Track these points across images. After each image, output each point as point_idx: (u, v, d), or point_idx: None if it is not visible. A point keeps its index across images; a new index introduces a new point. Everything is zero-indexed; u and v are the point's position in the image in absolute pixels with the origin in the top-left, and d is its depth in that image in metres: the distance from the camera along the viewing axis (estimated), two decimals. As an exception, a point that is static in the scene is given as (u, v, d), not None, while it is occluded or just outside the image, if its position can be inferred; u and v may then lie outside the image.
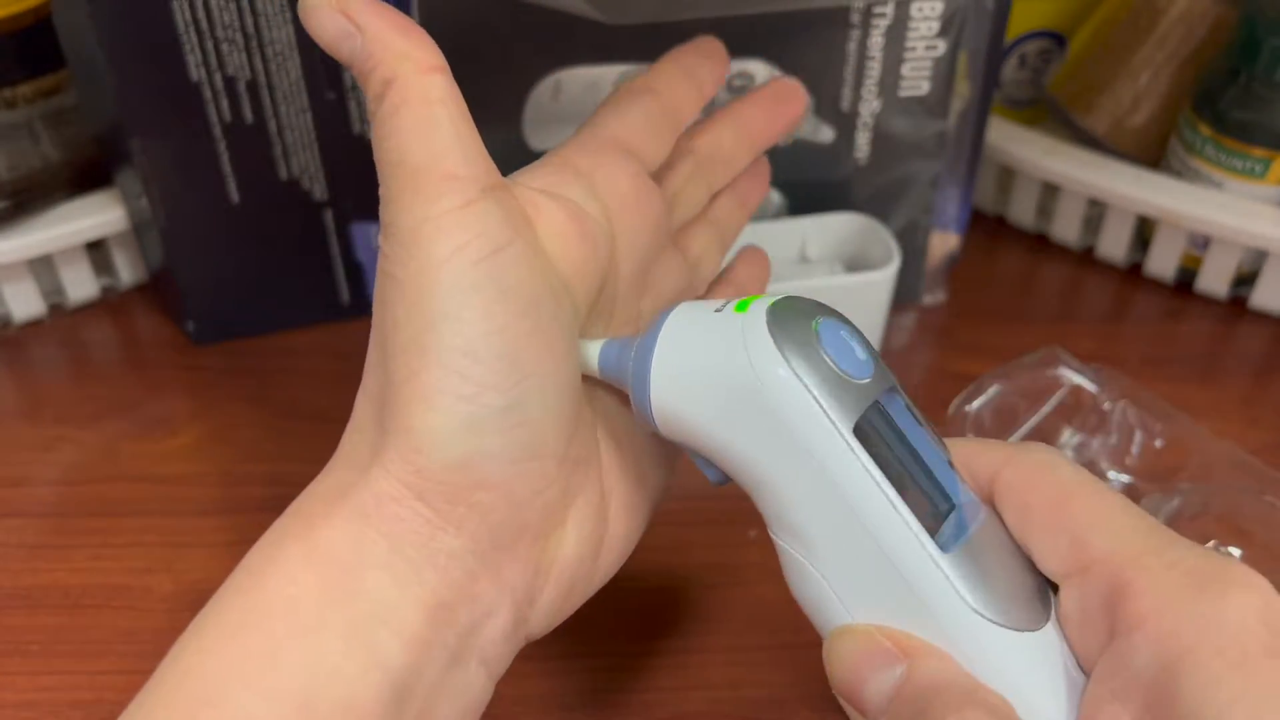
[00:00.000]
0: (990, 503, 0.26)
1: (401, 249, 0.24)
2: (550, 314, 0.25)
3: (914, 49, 0.43)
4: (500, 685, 0.35)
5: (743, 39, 0.42)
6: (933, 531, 0.23)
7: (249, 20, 0.41)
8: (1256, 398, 0.46)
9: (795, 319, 0.25)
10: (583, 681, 0.35)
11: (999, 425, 0.40)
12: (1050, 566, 0.24)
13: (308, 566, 0.24)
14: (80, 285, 0.49)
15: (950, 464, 0.25)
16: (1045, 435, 0.41)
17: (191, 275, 0.46)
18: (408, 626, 0.24)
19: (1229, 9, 0.49)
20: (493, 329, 0.24)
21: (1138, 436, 0.41)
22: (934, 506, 0.24)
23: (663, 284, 0.31)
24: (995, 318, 0.50)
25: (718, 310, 0.26)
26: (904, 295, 0.49)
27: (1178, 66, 0.50)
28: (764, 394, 0.24)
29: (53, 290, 0.49)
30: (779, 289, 0.42)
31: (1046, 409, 0.40)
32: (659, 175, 0.32)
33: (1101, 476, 0.41)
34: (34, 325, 0.49)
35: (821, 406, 0.24)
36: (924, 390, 0.46)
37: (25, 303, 0.49)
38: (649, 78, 0.32)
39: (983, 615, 0.23)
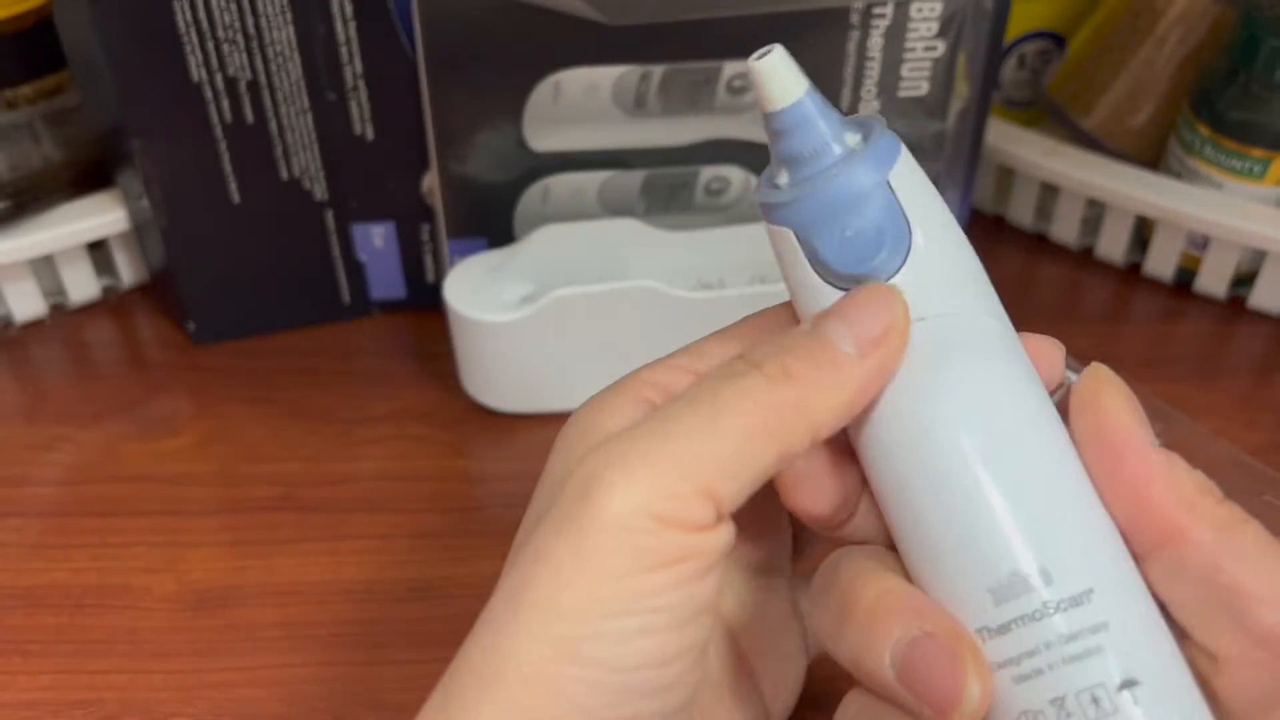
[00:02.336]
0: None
1: None
2: None
3: (913, 50, 0.43)
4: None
5: (742, 39, 0.42)
6: None
7: (250, 21, 0.41)
8: (1255, 398, 0.46)
9: None
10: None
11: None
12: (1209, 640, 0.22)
13: None
14: (81, 285, 0.49)
15: None
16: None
17: (192, 275, 0.47)
18: None
19: (1228, 9, 0.49)
20: None
21: (1137, 436, 0.41)
22: None
23: None
24: (994, 318, 0.50)
25: None
26: (903, 295, 0.49)
27: (1176, 67, 0.50)
28: None
29: (54, 290, 0.49)
30: (776, 292, 0.43)
31: (1046, 409, 0.40)
32: None
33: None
34: (35, 325, 0.50)
35: None
36: (923, 390, 0.46)
37: (26, 303, 0.49)
38: None
39: None
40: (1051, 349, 0.26)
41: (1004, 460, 0.22)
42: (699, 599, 0.21)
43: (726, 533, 0.22)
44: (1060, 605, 0.21)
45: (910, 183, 0.23)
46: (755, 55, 0.23)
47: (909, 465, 0.22)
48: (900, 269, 0.23)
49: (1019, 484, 0.22)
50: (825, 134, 0.23)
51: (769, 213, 0.23)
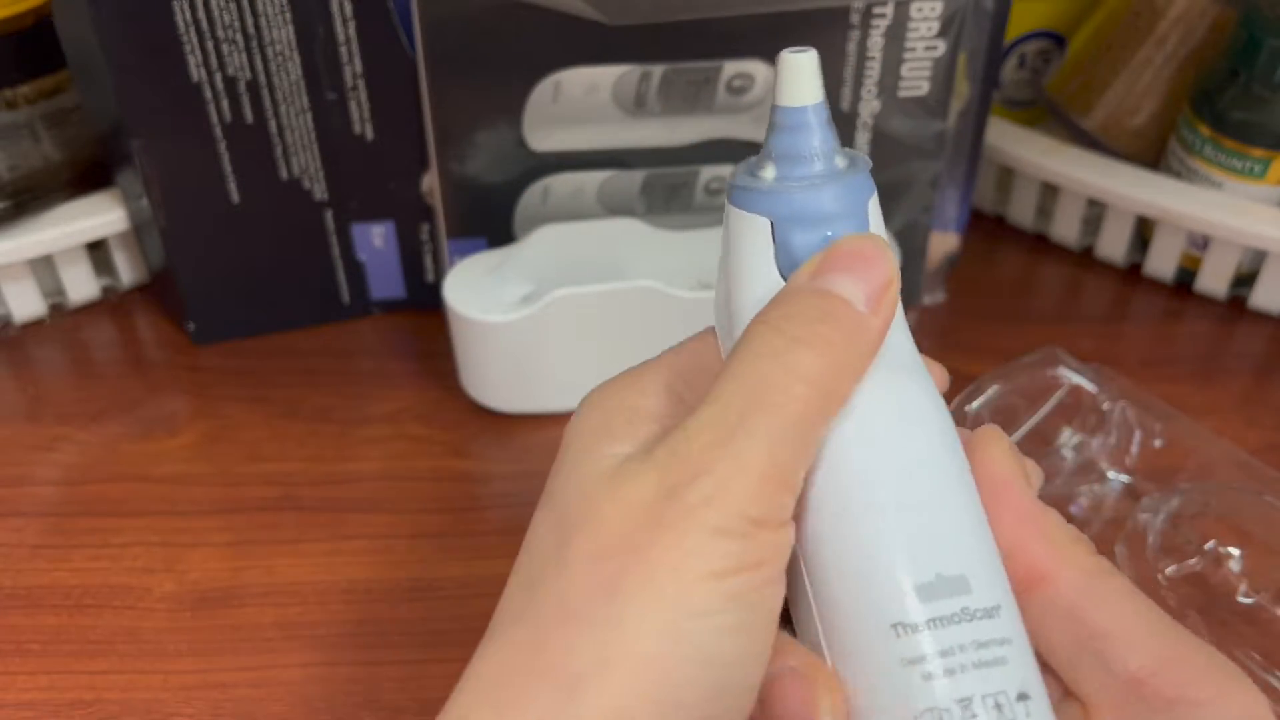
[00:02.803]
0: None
1: None
2: None
3: (914, 49, 0.43)
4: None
5: (742, 39, 0.42)
6: None
7: (249, 21, 0.41)
8: (1256, 397, 0.46)
9: None
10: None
11: (999, 425, 0.40)
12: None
13: None
14: (81, 285, 0.49)
15: None
16: (1045, 435, 0.41)
17: (192, 275, 0.47)
18: None
19: (1228, 9, 0.49)
20: None
21: (1137, 436, 0.41)
22: None
23: None
24: (995, 318, 0.50)
25: None
26: (903, 295, 0.49)
27: (1177, 67, 0.50)
28: None
29: (53, 290, 0.49)
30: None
31: (1046, 409, 0.41)
32: None
33: (1101, 476, 0.41)
34: (35, 325, 0.50)
35: None
36: (923, 390, 0.46)
37: (26, 303, 0.49)
38: None
39: None
40: (940, 373, 0.26)
41: (934, 471, 0.23)
42: (778, 596, 0.21)
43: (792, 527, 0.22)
44: (978, 613, 0.22)
45: (876, 216, 0.24)
46: (791, 49, 0.23)
47: (851, 462, 0.22)
48: None
49: (946, 495, 0.23)
50: (828, 143, 0.23)
51: (749, 200, 0.23)
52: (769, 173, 0.24)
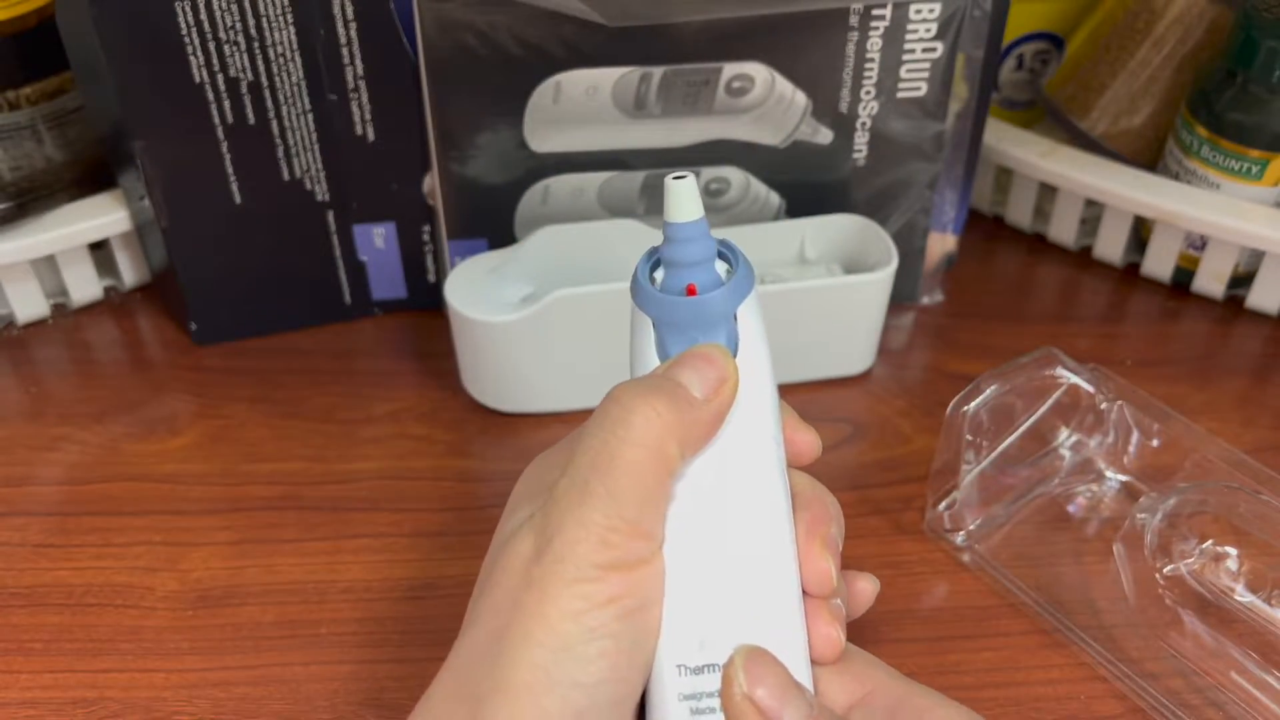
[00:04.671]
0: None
1: None
2: None
3: (912, 51, 0.43)
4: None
5: (742, 41, 0.42)
6: None
7: (251, 22, 0.41)
8: (1253, 397, 0.46)
9: None
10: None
11: (997, 425, 0.40)
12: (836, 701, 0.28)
13: None
14: (83, 286, 0.50)
15: None
16: (1042, 435, 0.41)
17: (194, 276, 0.47)
18: None
19: (1225, 10, 0.49)
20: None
21: (1134, 436, 0.41)
22: None
23: None
24: (993, 318, 0.50)
25: None
26: (902, 296, 0.49)
27: (1174, 68, 0.50)
28: None
29: (56, 291, 0.50)
30: (775, 291, 0.43)
31: (1044, 409, 0.41)
32: None
33: (1099, 476, 0.42)
34: (37, 325, 0.50)
35: None
36: (921, 390, 0.46)
37: (28, 303, 0.49)
38: None
39: None
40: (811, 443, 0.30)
41: (741, 540, 0.27)
42: (640, 624, 0.26)
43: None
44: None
45: (751, 313, 0.27)
46: (673, 175, 0.27)
47: (684, 511, 0.27)
48: None
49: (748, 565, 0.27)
50: (708, 253, 0.27)
51: (638, 299, 0.27)
52: (659, 275, 0.27)
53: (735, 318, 0.27)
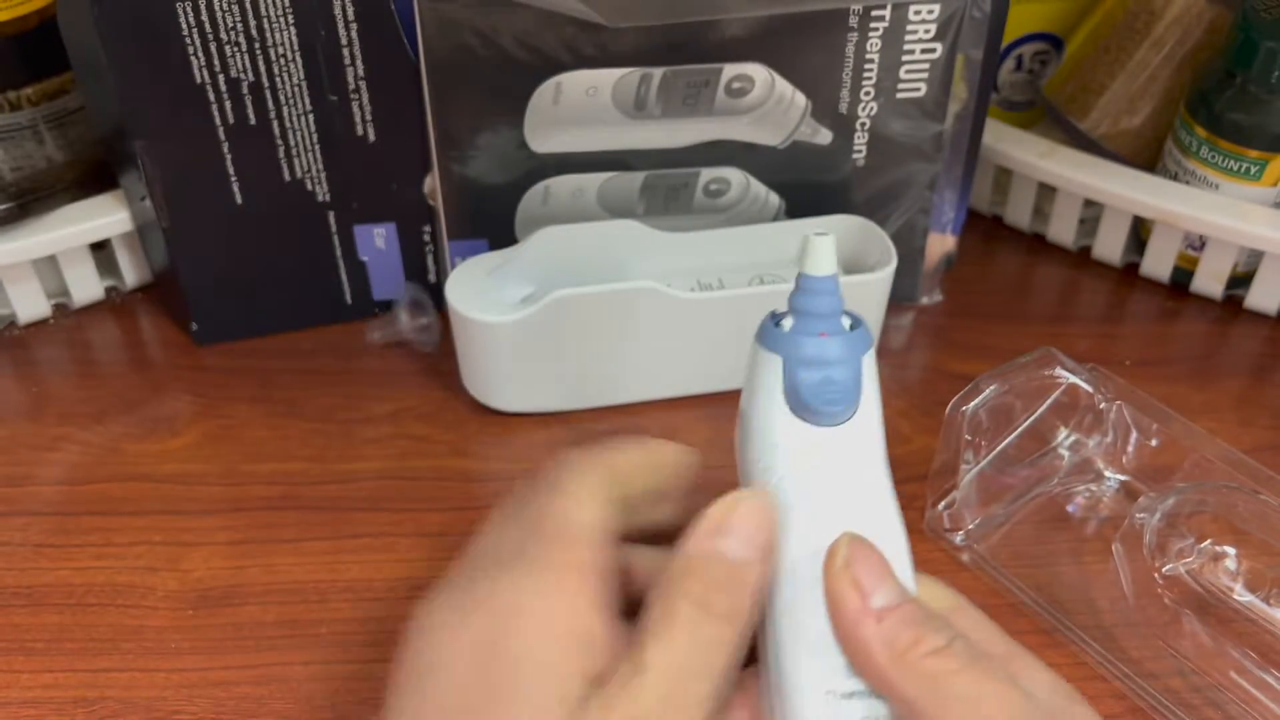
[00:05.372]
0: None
1: None
2: None
3: (911, 51, 0.43)
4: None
5: (741, 42, 0.42)
6: None
7: (252, 23, 0.41)
8: (1251, 397, 0.46)
9: None
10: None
11: (996, 425, 0.40)
12: None
13: None
14: (84, 286, 0.50)
15: None
16: (1041, 435, 0.41)
17: (195, 276, 0.47)
18: None
19: (1224, 11, 0.49)
20: None
21: (1133, 436, 0.41)
22: None
23: None
24: (992, 318, 0.50)
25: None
26: (901, 296, 0.50)
27: (1173, 69, 0.50)
28: None
29: (57, 291, 0.50)
30: (775, 291, 0.43)
31: (1042, 409, 0.41)
32: None
33: (1098, 476, 0.42)
34: (38, 325, 0.50)
35: None
36: (921, 390, 0.46)
37: (30, 303, 0.49)
38: None
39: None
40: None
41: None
42: None
43: None
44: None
45: (870, 369, 0.29)
46: (815, 230, 0.29)
47: (793, 577, 0.27)
48: (847, 422, 0.28)
49: None
50: (838, 306, 0.28)
51: (768, 340, 0.28)
52: (787, 323, 0.29)
53: (862, 366, 0.28)
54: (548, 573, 0.26)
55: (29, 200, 0.47)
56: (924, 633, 0.25)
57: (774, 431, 0.28)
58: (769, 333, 0.29)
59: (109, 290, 0.51)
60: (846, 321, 0.29)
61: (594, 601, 0.26)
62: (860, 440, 0.28)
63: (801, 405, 0.28)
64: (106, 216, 0.47)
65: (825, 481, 0.28)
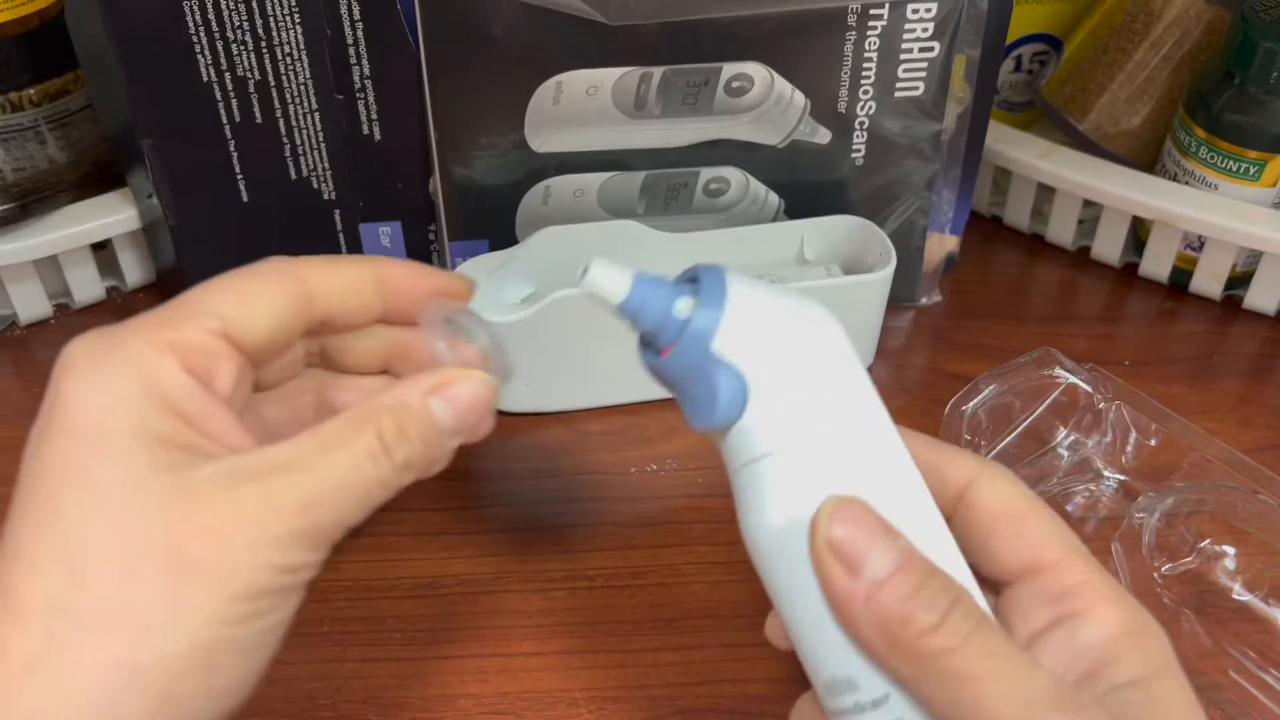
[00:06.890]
0: (953, 507, 0.28)
1: None
2: None
3: (909, 51, 0.43)
4: (503, 681, 0.36)
5: (741, 41, 0.42)
6: None
7: (259, 22, 0.41)
8: (1250, 398, 0.46)
9: None
10: (587, 679, 0.36)
11: (995, 425, 0.40)
12: (1007, 565, 0.27)
13: None
14: (86, 286, 0.50)
15: None
16: (1040, 435, 0.41)
17: (201, 274, 0.46)
18: None
19: (1223, 12, 0.49)
20: None
21: (1132, 436, 0.41)
22: None
23: None
24: (991, 318, 0.51)
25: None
26: (901, 296, 0.50)
27: (1172, 69, 0.50)
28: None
29: (59, 291, 0.50)
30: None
31: (1042, 409, 0.41)
32: None
33: (1097, 476, 0.42)
34: (40, 326, 0.50)
35: None
36: (920, 390, 0.47)
37: (31, 303, 0.49)
38: None
39: None
40: None
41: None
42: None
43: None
44: (867, 705, 0.25)
45: (744, 327, 0.25)
46: (580, 269, 0.27)
47: (764, 574, 0.27)
48: (741, 416, 0.25)
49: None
50: (659, 312, 0.26)
51: (652, 375, 0.27)
52: (642, 350, 0.28)
53: (716, 353, 0.25)
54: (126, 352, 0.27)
55: (30, 200, 0.47)
56: (914, 609, 0.23)
57: (722, 447, 0.27)
58: (650, 366, 0.27)
59: (110, 290, 0.51)
60: (685, 304, 0.26)
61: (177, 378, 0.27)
62: (776, 411, 0.25)
63: (700, 430, 0.26)
64: (108, 217, 0.47)
65: (806, 460, 0.25)
